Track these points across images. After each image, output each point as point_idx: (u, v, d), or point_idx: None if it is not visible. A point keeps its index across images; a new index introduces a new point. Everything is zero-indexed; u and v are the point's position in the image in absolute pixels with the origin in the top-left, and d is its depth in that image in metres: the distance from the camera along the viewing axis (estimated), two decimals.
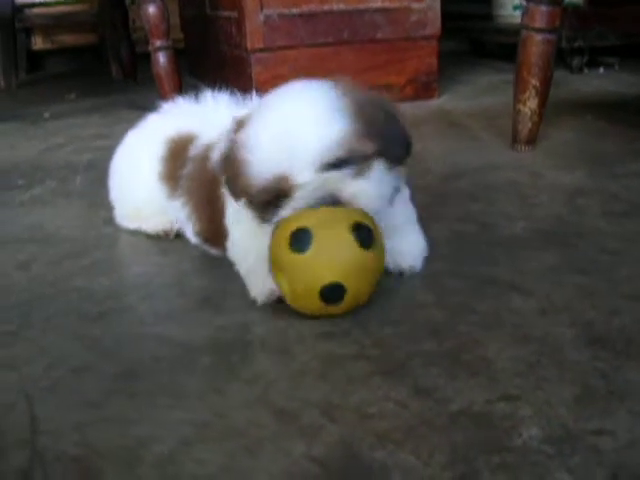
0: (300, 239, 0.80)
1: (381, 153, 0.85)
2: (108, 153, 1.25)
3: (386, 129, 0.86)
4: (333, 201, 0.81)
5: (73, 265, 1.08)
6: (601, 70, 2.54)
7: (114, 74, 3.18)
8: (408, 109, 2.00)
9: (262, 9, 1.89)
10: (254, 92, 1.10)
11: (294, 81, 0.89)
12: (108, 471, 0.61)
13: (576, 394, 0.67)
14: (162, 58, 1.88)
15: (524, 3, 1.50)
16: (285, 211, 0.82)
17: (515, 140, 1.55)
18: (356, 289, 0.83)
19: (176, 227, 1.15)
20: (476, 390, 0.69)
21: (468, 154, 1.57)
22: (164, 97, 2.07)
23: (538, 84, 1.48)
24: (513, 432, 0.62)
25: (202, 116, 1.12)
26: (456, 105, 2.11)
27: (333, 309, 0.83)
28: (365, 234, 0.82)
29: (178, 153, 1.09)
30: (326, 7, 1.99)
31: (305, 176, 0.81)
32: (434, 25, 2.10)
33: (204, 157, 1.02)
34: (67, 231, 1.24)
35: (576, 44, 2.42)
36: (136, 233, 1.19)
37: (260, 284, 0.89)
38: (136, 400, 0.72)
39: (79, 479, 0.61)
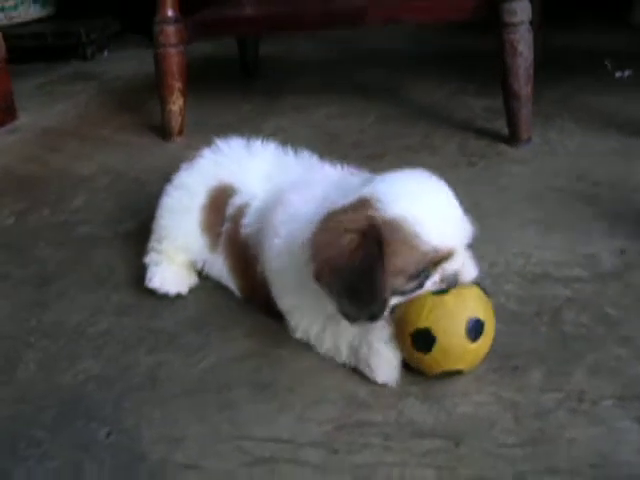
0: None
1: None
2: None
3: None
4: (455, 279, 0.93)
5: None
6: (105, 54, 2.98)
7: None
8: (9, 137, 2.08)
9: None
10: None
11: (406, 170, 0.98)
12: None
13: None
14: None
15: None
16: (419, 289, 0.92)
17: (170, 134, 1.88)
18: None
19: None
20: None
21: (145, 160, 1.81)
22: None
23: (181, 86, 1.83)
24: None
25: (242, 167, 1.17)
26: (48, 121, 2.23)
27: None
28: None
29: (218, 207, 1.15)
30: None
31: (461, 252, 0.94)
32: None
33: (239, 218, 1.11)
34: None
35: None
36: None
37: (386, 368, 0.96)
38: None
39: None
